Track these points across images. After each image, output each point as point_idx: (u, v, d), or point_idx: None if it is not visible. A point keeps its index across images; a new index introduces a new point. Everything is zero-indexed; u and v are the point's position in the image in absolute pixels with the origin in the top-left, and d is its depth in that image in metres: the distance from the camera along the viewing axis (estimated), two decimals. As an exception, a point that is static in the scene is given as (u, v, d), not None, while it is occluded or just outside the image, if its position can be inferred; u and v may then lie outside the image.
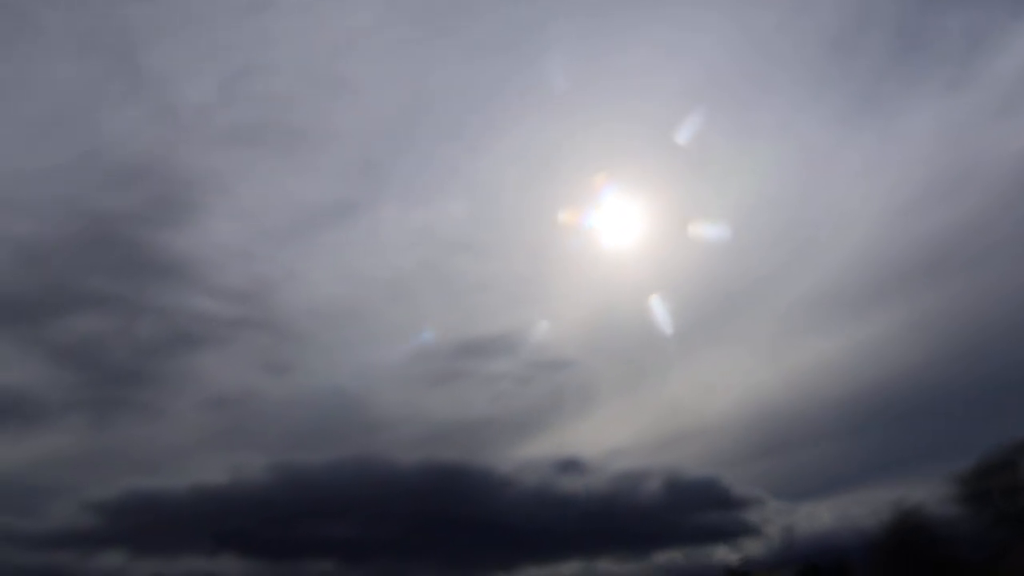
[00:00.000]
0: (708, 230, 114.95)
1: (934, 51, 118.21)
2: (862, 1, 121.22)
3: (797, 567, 48.18)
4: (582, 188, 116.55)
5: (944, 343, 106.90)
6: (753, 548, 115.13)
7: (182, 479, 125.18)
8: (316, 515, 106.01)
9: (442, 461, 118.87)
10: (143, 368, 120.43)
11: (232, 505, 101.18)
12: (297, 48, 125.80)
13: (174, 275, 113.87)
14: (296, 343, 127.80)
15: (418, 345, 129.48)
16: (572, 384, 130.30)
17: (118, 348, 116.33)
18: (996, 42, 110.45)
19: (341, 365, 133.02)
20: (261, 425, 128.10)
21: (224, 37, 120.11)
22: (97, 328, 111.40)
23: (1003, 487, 58.11)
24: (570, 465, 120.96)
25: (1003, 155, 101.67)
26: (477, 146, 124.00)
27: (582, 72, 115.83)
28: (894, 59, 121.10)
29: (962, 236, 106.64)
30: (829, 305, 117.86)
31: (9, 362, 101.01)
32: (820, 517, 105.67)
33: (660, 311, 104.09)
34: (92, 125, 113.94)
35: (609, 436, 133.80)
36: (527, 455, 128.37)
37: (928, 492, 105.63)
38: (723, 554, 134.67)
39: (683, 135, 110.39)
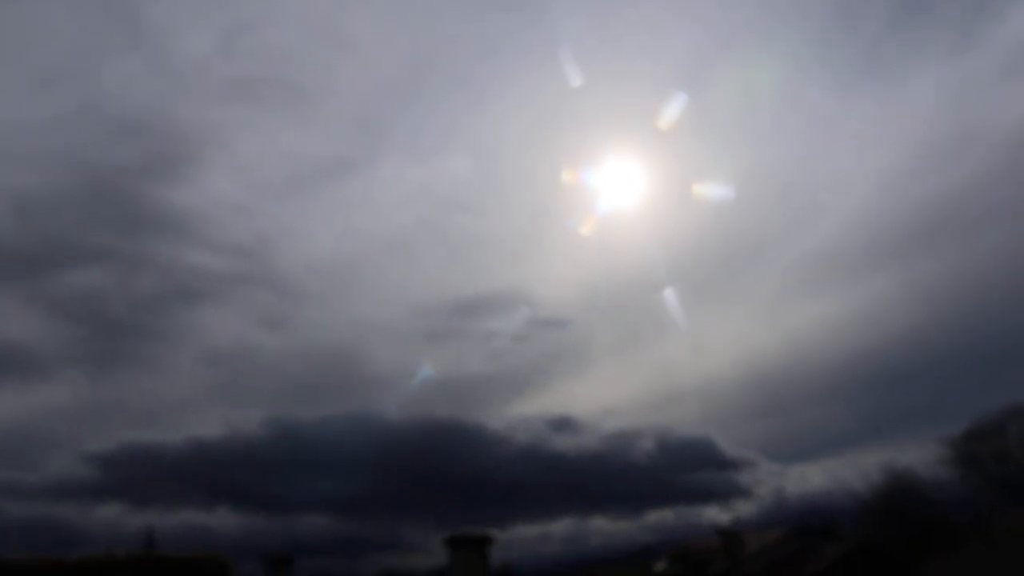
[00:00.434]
0: (708, 192, 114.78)
1: (936, 16, 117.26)
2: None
3: (787, 528, 48.67)
4: (583, 147, 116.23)
5: (939, 308, 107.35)
6: (744, 508, 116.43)
7: (179, 432, 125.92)
8: (311, 470, 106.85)
9: (437, 418, 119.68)
10: (141, 322, 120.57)
11: (228, 459, 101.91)
12: (297, 2, 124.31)
13: (172, 230, 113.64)
14: (293, 299, 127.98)
15: (415, 304, 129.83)
16: (568, 343, 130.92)
17: (116, 302, 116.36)
18: (999, 8, 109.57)
19: (338, 321, 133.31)
20: (257, 380, 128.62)
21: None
22: (95, 282, 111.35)
23: (992, 452, 58.67)
24: (563, 424, 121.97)
25: (1004, 121, 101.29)
26: (478, 103, 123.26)
27: (586, 29, 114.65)
28: (896, 23, 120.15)
29: (961, 202, 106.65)
30: (827, 268, 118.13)
31: (8, 316, 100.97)
32: (811, 479, 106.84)
33: (659, 271, 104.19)
34: (92, 78, 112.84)
35: (603, 395, 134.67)
36: (521, 413, 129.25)
37: (918, 455, 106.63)
38: (714, 514, 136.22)
39: (685, 96, 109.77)
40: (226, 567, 12.93)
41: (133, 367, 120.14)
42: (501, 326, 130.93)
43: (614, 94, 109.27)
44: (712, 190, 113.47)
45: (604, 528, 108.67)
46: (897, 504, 60.56)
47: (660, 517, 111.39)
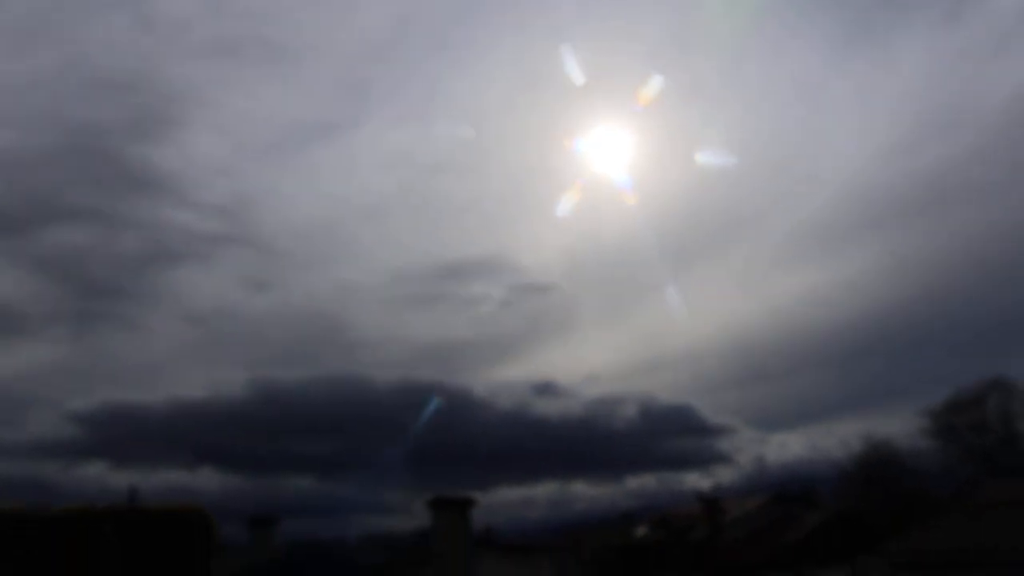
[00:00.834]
0: (696, 159, 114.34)
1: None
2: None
3: (768, 495, 49.04)
4: (569, 114, 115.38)
5: (923, 281, 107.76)
6: (725, 475, 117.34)
7: (161, 393, 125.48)
8: (294, 432, 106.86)
9: (420, 381, 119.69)
10: (123, 282, 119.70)
11: (210, 420, 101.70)
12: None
13: (154, 190, 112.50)
14: (276, 261, 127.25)
15: (399, 267, 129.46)
16: (552, 309, 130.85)
17: (99, 261, 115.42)
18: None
19: (321, 283, 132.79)
20: (240, 341, 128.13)
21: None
22: (78, 241, 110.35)
23: (971, 423, 59.22)
24: (546, 389, 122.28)
25: (995, 95, 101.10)
26: (463, 67, 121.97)
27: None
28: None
29: (948, 176, 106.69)
30: (813, 239, 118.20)
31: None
32: (791, 447, 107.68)
33: (644, 238, 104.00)
34: (72, 36, 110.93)
35: (586, 362, 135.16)
36: (504, 377, 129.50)
37: (898, 426, 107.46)
38: (695, 480, 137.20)
39: (673, 60, 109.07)
40: (208, 519, 12.80)
41: (116, 327, 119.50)
42: (485, 291, 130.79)
43: (600, 56, 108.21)
44: (700, 157, 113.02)
45: (586, 493, 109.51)
46: (876, 474, 61.14)
47: (641, 483, 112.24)
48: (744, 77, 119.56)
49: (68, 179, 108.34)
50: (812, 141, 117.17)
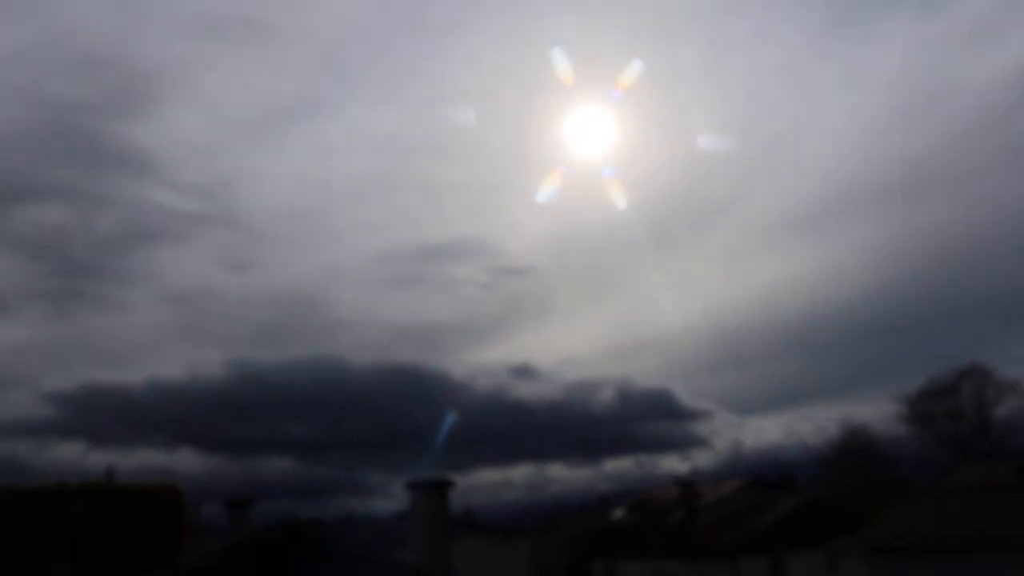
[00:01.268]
0: (677, 145, 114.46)
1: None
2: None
3: (744, 479, 49.41)
4: (552, 94, 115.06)
5: (900, 268, 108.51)
6: (702, 459, 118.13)
7: (139, 373, 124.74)
8: (273, 413, 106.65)
9: (399, 363, 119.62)
10: (102, 261, 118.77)
11: (189, 401, 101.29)
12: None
13: (134, 168, 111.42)
14: (256, 241, 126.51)
15: (379, 249, 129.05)
16: (531, 292, 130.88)
17: (77, 240, 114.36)
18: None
19: (301, 264, 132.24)
20: (219, 322, 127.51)
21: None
22: (55, 220, 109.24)
23: (946, 410, 59.85)
24: (524, 372, 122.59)
25: (973, 83, 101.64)
26: (447, 48, 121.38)
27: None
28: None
29: (926, 163, 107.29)
30: (793, 224, 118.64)
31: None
32: (768, 431, 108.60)
33: (624, 223, 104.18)
34: (49, 11, 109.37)
35: (564, 345, 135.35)
36: (483, 360, 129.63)
37: (874, 411, 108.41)
38: (672, 464, 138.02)
39: (655, 45, 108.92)
40: (180, 497, 12.74)
41: (93, 306, 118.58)
42: (465, 274, 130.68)
43: (582, 40, 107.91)
44: (681, 145, 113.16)
45: (563, 476, 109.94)
46: (852, 459, 61.70)
47: (619, 466, 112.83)
48: (726, 63, 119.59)
49: (45, 157, 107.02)
50: (793, 127, 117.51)
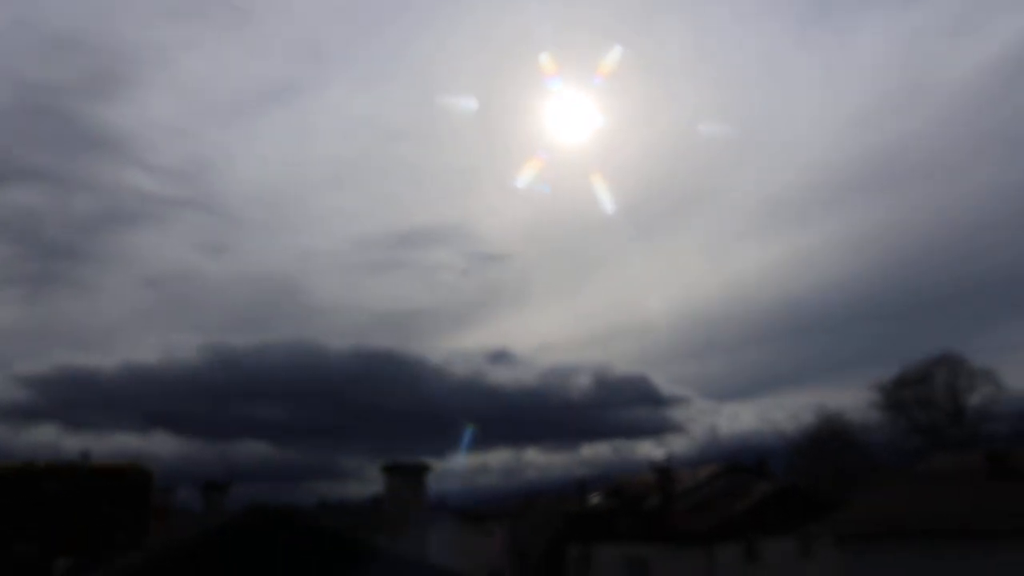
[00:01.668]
0: (656, 132, 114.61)
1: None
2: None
3: (719, 465, 49.70)
4: (533, 80, 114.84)
5: (877, 257, 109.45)
6: (678, 444, 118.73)
7: (114, 357, 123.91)
8: (248, 397, 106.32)
9: (375, 348, 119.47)
10: (77, 244, 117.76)
11: (164, 384, 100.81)
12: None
13: (110, 150, 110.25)
14: (233, 225, 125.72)
15: (357, 234, 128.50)
16: (509, 278, 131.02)
17: (52, 223, 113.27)
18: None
19: (278, 249, 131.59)
20: (195, 306, 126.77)
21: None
22: (31, 202, 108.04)
23: (919, 398, 60.45)
24: (501, 357, 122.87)
25: (953, 74, 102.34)
26: (426, 33, 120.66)
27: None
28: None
29: (904, 153, 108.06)
30: (772, 213, 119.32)
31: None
32: (743, 418, 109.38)
33: (602, 210, 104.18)
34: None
35: (541, 331, 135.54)
36: (459, 345, 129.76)
37: (849, 399, 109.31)
38: (648, 449, 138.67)
39: (636, 32, 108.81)
40: (148, 477, 12.63)
41: (69, 289, 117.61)
42: (442, 259, 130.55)
43: (562, 27, 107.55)
44: (660, 133, 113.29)
45: (539, 461, 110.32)
46: (826, 446, 62.20)
47: (595, 452, 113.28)
48: (707, 51, 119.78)
49: (21, 138, 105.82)
50: (774, 116, 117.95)
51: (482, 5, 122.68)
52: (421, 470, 19.31)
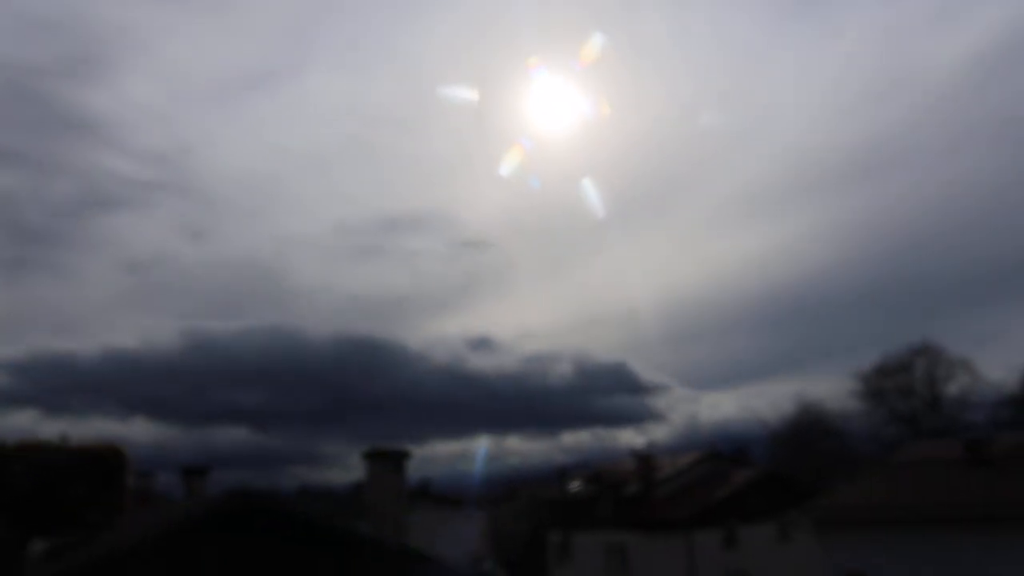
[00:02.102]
0: (638, 120, 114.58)
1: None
2: None
3: (700, 453, 49.94)
4: (515, 67, 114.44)
5: (857, 247, 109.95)
6: (658, 432, 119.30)
7: (93, 341, 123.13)
8: (228, 383, 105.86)
9: (355, 334, 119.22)
10: (55, 228, 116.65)
11: (143, 370, 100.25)
12: None
13: (89, 134, 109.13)
14: (214, 209, 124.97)
15: (338, 219, 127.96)
16: (490, 264, 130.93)
17: (29, 207, 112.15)
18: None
19: (259, 234, 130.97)
20: (174, 290, 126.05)
21: None
22: (7, 185, 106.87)
23: (898, 387, 60.96)
24: (482, 344, 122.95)
25: (934, 64, 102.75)
26: (411, 17, 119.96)
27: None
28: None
29: (884, 144, 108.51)
30: (753, 202, 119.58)
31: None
32: (723, 406, 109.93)
33: (584, 197, 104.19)
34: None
35: (522, 318, 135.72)
36: (440, 332, 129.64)
37: (829, 388, 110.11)
38: (629, 437, 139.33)
39: (618, 20, 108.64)
40: (121, 456, 12.50)
41: (47, 274, 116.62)
42: (424, 245, 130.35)
43: (544, 17, 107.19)
44: (642, 121, 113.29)
45: (520, 448, 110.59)
46: (806, 434, 62.65)
47: (576, 439, 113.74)
48: (688, 42, 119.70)
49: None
50: (755, 104, 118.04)
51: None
52: (402, 456, 19.29)
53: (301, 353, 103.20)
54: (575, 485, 50.85)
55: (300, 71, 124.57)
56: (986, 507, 23.89)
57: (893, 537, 25.91)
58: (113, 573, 13.00)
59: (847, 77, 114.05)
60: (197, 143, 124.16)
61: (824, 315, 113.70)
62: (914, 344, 60.85)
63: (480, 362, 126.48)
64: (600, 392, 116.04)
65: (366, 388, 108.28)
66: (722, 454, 50.41)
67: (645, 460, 45.90)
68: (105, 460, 12.11)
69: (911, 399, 60.40)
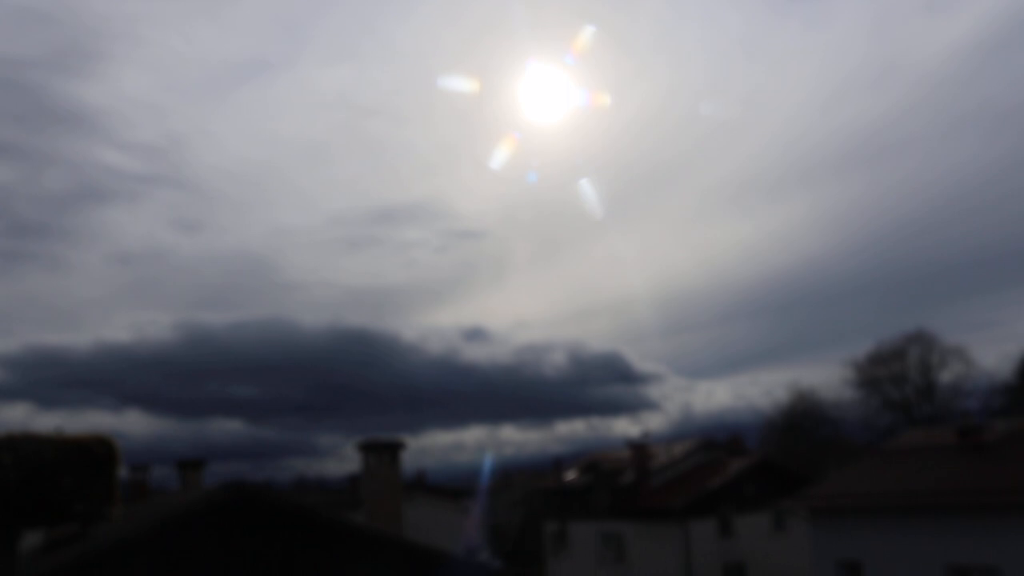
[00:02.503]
0: (632, 111, 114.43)
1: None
2: None
3: (694, 441, 50.00)
4: (506, 59, 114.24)
5: (850, 234, 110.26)
6: (653, 421, 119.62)
7: (87, 335, 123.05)
8: (222, 375, 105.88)
9: (350, 326, 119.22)
10: (49, 221, 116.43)
11: (137, 363, 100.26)
12: None
13: (82, 127, 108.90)
14: (207, 202, 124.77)
15: (332, 211, 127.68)
16: (484, 255, 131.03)
17: (22, 200, 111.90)
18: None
19: (253, 226, 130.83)
20: (167, 283, 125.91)
21: None
22: (1, 178, 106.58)
23: (892, 375, 61.11)
24: (476, 334, 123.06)
25: (926, 52, 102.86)
26: (402, 8, 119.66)
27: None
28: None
29: (877, 131, 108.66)
30: (744, 191, 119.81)
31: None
32: (717, 395, 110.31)
33: (578, 188, 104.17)
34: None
35: (516, 308, 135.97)
36: (434, 323, 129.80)
37: (822, 376, 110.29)
38: (624, 426, 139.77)
39: (610, 11, 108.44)
40: (111, 448, 12.43)
41: (40, 266, 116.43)
42: (417, 236, 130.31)
43: (538, 8, 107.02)
44: (635, 111, 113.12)
45: (515, 438, 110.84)
46: (800, 422, 62.85)
47: (571, 429, 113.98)
48: (682, 29, 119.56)
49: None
50: (748, 94, 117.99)
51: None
52: (396, 447, 19.32)
53: (295, 345, 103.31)
54: (570, 474, 50.92)
55: (290, 63, 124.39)
56: (980, 494, 23.97)
57: (887, 524, 26.01)
58: (110, 566, 13.01)
59: (840, 66, 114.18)
60: (190, 135, 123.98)
61: (818, 303, 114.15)
62: (908, 332, 61.09)
63: (474, 353, 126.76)
64: (594, 382, 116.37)
65: (361, 379, 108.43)
66: (717, 443, 50.48)
67: (640, 449, 45.92)
68: (93, 451, 12.03)
69: (905, 387, 60.59)
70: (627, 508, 44.02)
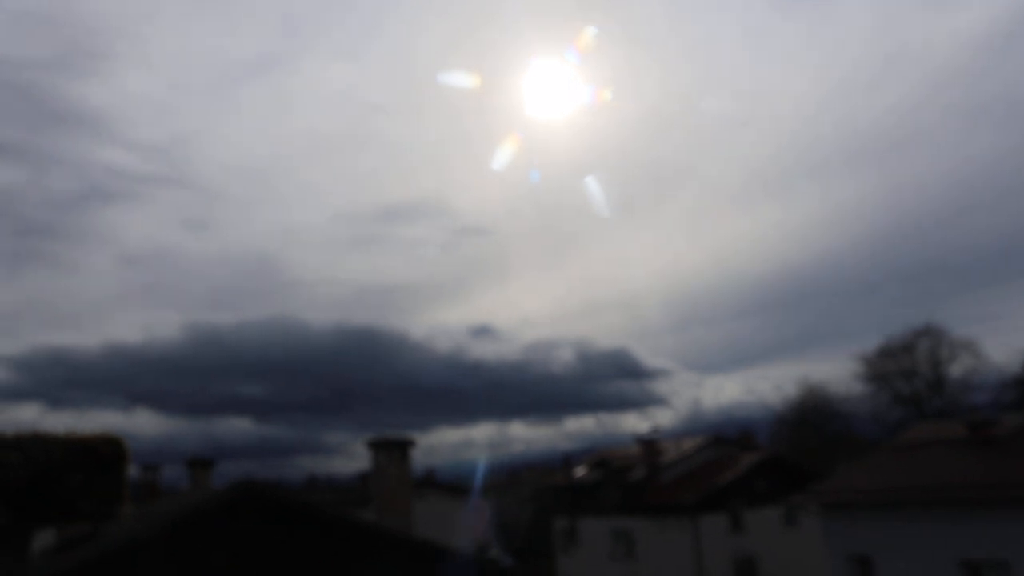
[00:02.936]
0: (638, 107, 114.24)
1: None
2: None
3: (704, 436, 49.94)
4: (511, 56, 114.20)
5: (859, 229, 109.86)
6: (662, 417, 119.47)
7: (95, 336, 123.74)
8: (230, 374, 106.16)
9: (357, 324, 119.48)
10: (56, 222, 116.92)
11: (146, 363, 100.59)
12: None
13: (87, 127, 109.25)
14: (213, 201, 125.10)
15: (339, 209, 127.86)
16: (491, 252, 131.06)
17: (29, 200, 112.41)
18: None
19: (259, 224, 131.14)
20: (175, 283, 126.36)
21: None
22: (7, 179, 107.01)
23: (901, 369, 60.95)
24: (484, 332, 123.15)
25: (936, 45, 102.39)
26: (408, 6, 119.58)
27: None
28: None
29: (885, 126, 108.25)
30: (754, 186, 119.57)
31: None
32: (727, 390, 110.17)
33: (584, 184, 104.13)
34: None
35: (524, 305, 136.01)
36: (442, 320, 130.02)
37: (832, 370, 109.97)
38: (633, 422, 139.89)
39: (614, 7, 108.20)
40: (119, 447, 12.47)
41: (47, 268, 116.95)
42: (424, 234, 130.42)
43: (546, 5, 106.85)
44: (642, 107, 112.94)
45: (524, 435, 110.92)
46: (810, 417, 62.71)
47: (581, 425, 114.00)
48: (687, 24, 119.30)
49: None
50: (757, 89, 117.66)
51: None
52: (406, 445, 19.31)
53: (303, 344, 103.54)
54: (580, 471, 50.92)
55: (295, 61, 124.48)
56: (991, 488, 23.89)
57: (898, 519, 25.95)
58: (121, 566, 13.05)
59: (848, 61, 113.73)
60: (195, 135, 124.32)
61: (827, 297, 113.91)
62: (917, 326, 60.92)
63: (482, 350, 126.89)
64: (603, 378, 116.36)
65: (369, 377, 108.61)
66: (727, 438, 50.41)
67: (650, 445, 45.89)
68: (101, 450, 12.07)
69: (915, 381, 60.42)
70: (637, 504, 44.01)
